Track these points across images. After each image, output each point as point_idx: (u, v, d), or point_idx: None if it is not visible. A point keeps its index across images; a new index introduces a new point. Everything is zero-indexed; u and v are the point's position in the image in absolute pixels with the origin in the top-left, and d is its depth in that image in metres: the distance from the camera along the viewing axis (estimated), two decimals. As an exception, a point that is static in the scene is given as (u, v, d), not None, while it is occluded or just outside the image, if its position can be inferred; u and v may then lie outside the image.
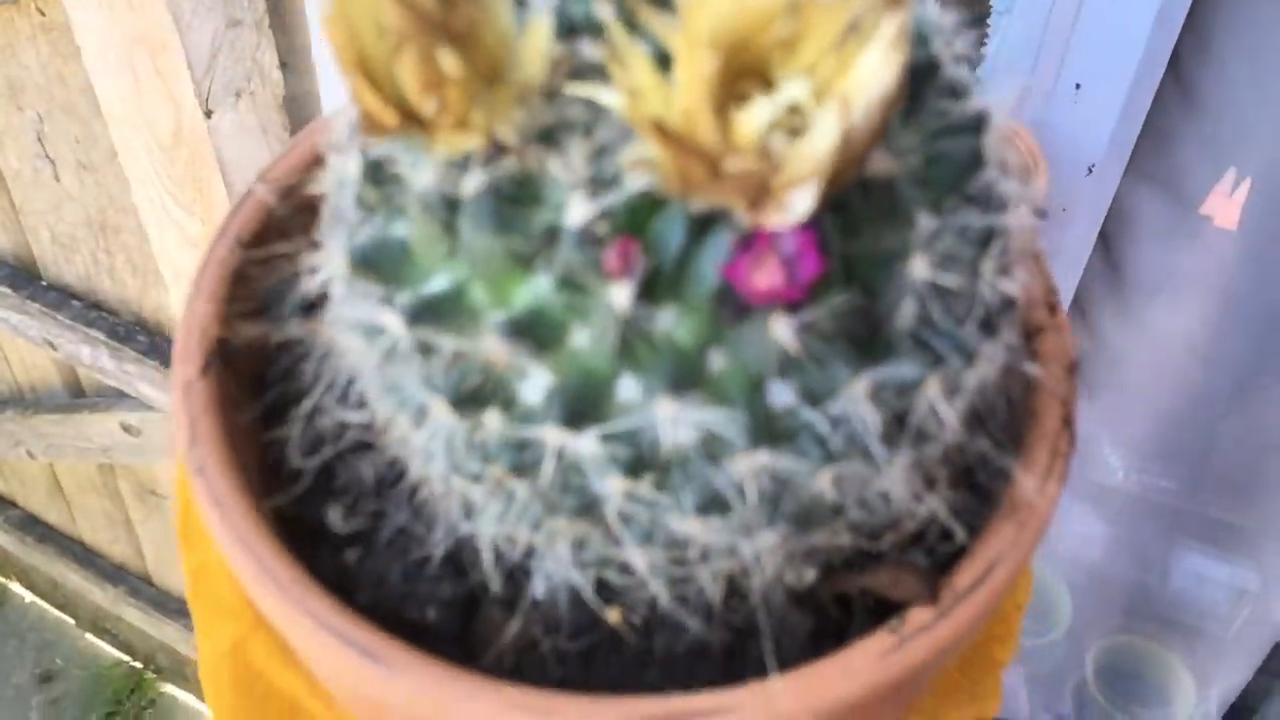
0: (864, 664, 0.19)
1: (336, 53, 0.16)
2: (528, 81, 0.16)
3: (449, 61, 0.15)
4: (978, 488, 0.24)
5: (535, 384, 0.17)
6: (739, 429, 0.17)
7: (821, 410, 0.17)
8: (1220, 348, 0.86)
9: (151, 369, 1.42)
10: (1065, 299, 0.74)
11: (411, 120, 0.15)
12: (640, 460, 0.17)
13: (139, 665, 2.23)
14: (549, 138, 0.17)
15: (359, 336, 0.19)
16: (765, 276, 0.15)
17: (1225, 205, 0.75)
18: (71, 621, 2.28)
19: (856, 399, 0.18)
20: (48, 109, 1.27)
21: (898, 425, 0.19)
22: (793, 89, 0.14)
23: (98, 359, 1.47)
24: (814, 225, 0.16)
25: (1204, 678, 1.10)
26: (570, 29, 0.17)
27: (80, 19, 0.94)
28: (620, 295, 0.16)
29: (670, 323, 0.17)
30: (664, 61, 0.14)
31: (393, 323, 0.18)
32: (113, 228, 1.36)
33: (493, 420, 0.18)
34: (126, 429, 1.58)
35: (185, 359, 0.23)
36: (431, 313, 0.17)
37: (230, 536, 0.20)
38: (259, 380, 0.25)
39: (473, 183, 0.17)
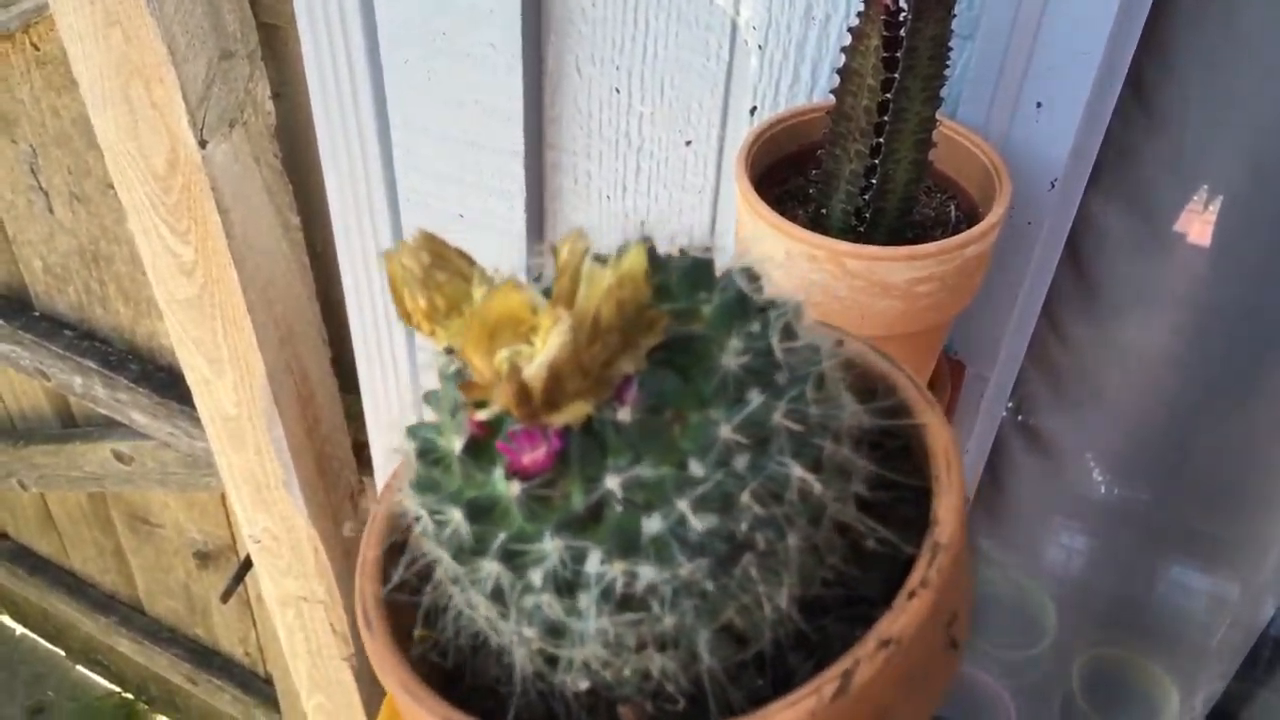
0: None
1: (389, 284, 0.29)
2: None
3: (422, 299, 0.28)
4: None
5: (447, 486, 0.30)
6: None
7: (537, 544, 0.28)
8: (1193, 360, 0.88)
9: (143, 397, 1.44)
10: (1034, 310, 0.77)
11: (412, 323, 0.29)
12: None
13: (130, 696, 2.22)
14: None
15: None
16: (524, 456, 0.27)
17: (1197, 221, 0.77)
18: (62, 653, 2.28)
19: (558, 550, 0.28)
20: (41, 141, 1.29)
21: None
22: (523, 349, 0.27)
23: (90, 388, 1.48)
24: (562, 439, 0.27)
25: (1188, 687, 1.11)
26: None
27: (77, 52, 0.96)
28: (456, 445, 0.29)
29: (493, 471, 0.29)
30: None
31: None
32: (105, 257, 1.38)
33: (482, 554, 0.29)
34: (118, 457, 1.59)
35: (368, 544, 0.35)
36: (427, 449, 0.30)
37: (387, 676, 0.31)
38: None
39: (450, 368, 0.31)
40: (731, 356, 0.28)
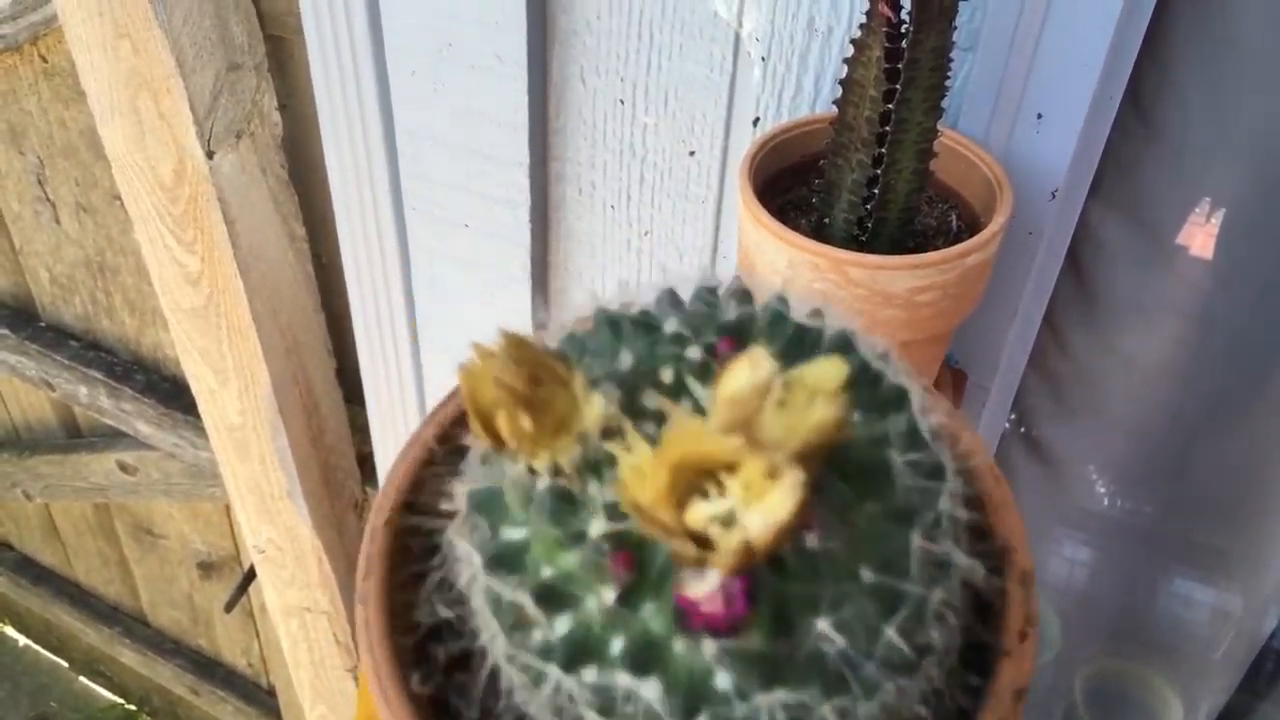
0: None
1: (466, 403, 0.26)
2: (584, 432, 0.26)
3: (525, 422, 0.25)
4: None
5: (558, 625, 0.26)
6: (679, 706, 0.25)
7: (744, 703, 0.24)
8: (1195, 371, 0.88)
9: (148, 407, 1.44)
10: (1035, 320, 0.77)
11: (504, 449, 0.26)
12: (610, 704, 0.25)
13: (133, 708, 2.22)
14: (594, 469, 0.26)
15: (463, 550, 0.28)
16: (707, 605, 0.23)
17: (1198, 232, 0.78)
18: (65, 665, 2.28)
19: (769, 707, 0.24)
20: (48, 153, 1.30)
21: None
22: (726, 501, 0.22)
23: (95, 398, 1.48)
24: (749, 577, 0.23)
25: (1191, 700, 1.11)
26: (628, 398, 0.27)
27: (85, 64, 0.97)
28: (608, 594, 0.25)
29: (649, 613, 0.25)
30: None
31: (476, 560, 0.27)
32: (111, 268, 1.38)
33: (531, 633, 0.26)
34: (123, 468, 1.60)
35: (378, 511, 0.31)
36: (504, 553, 0.26)
37: (371, 665, 0.28)
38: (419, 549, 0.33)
39: (541, 485, 0.26)
40: (899, 459, 0.26)
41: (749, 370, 0.23)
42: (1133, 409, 0.93)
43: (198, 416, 1.28)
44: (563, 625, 0.25)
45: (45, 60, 1.21)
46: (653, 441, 0.23)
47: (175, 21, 0.90)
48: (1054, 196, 0.63)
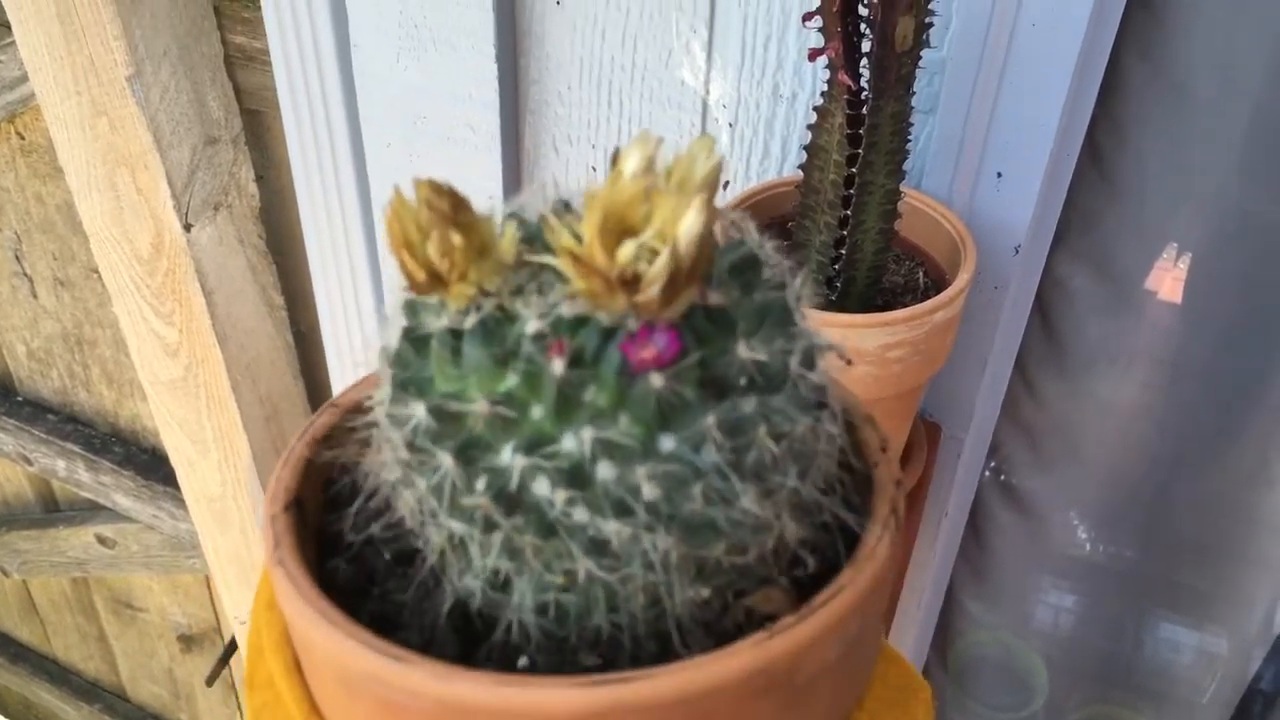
0: (742, 650, 0.27)
1: (390, 238, 0.28)
2: (504, 258, 0.28)
3: (456, 238, 0.27)
4: (831, 532, 0.32)
5: (507, 448, 0.28)
6: (643, 434, 0.28)
7: (690, 444, 0.27)
8: (1168, 416, 0.89)
9: (127, 479, 1.43)
10: (1006, 371, 0.78)
11: (434, 278, 0.27)
12: (575, 478, 0.27)
13: (112, 786, 2.18)
14: (518, 291, 0.28)
15: (394, 428, 0.29)
16: (645, 352, 0.27)
17: (1161, 281, 0.79)
18: (43, 744, 2.23)
19: (708, 430, 0.27)
20: (25, 228, 1.31)
21: (741, 457, 0.28)
22: (647, 236, 0.26)
23: (74, 471, 1.48)
24: (675, 327, 0.27)
25: (1180, 744, 1.11)
26: (528, 239, 0.29)
27: (63, 141, 0.98)
28: (557, 365, 0.27)
29: (591, 394, 0.27)
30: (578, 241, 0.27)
31: (418, 410, 0.28)
32: (89, 341, 1.38)
33: (478, 462, 0.28)
34: (102, 541, 1.58)
35: (272, 501, 0.33)
36: (443, 402, 0.28)
37: (297, 597, 0.30)
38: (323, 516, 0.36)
39: (470, 320, 0.28)
40: (764, 294, 0.29)
41: (640, 146, 0.27)
42: (1108, 455, 0.94)
43: (177, 488, 1.27)
44: (528, 425, 0.28)
45: (22, 137, 1.22)
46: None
47: (153, 99, 0.91)
48: (1017, 251, 0.65)
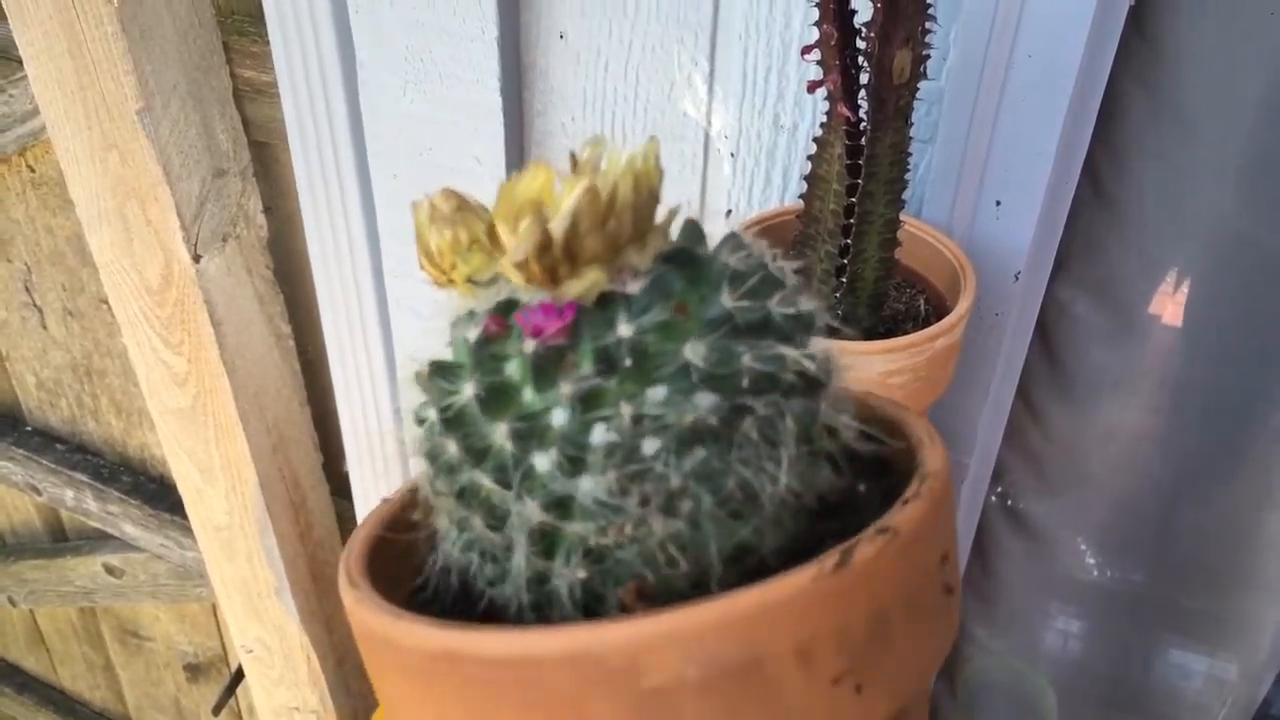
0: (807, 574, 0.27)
1: (418, 239, 0.32)
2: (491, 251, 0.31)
3: (463, 233, 0.31)
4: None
5: (466, 389, 0.31)
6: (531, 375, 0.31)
7: (549, 403, 0.30)
8: (1174, 440, 0.89)
9: (134, 508, 1.44)
10: (1008, 396, 0.79)
11: (441, 274, 0.32)
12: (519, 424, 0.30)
13: (118, 817, 2.17)
14: (492, 280, 0.32)
15: (415, 419, 0.33)
16: (533, 323, 0.29)
17: (1164, 306, 0.80)
18: (49, 774, 2.22)
19: (567, 395, 0.30)
20: (35, 259, 1.32)
21: (588, 430, 0.30)
22: (534, 217, 0.29)
23: (82, 501, 1.48)
24: (574, 308, 0.29)
25: (1191, 770, 1.10)
26: None
27: (74, 174, 0.99)
28: (472, 334, 0.31)
29: (504, 352, 0.30)
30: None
31: (429, 412, 0.32)
32: (98, 371, 1.39)
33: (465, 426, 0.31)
34: (109, 570, 1.59)
35: (348, 557, 0.35)
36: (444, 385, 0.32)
37: (363, 603, 0.32)
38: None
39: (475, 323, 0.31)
40: (730, 259, 0.31)
41: (590, 145, 0.30)
42: (1114, 480, 0.94)
43: (184, 517, 1.27)
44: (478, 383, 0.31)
45: (34, 170, 1.23)
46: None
47: (162, 132, 0.92)
48: (1017, 278, 0.65)
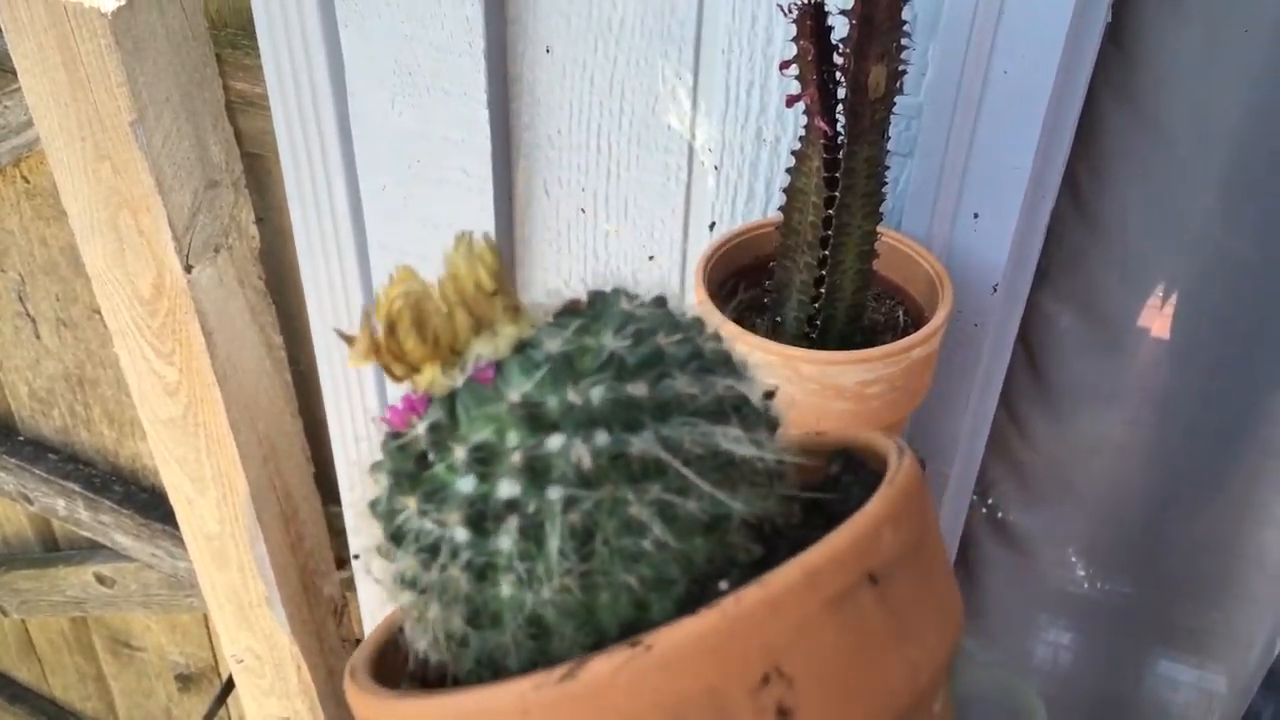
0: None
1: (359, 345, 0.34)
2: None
3: (411, 341, 0.33)
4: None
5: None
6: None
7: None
8: (1159, 452, 0.89)
9: (126, 518, 1.44)
10: (989, 407, 0.79)
11: (397, 364, 0.33)
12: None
13: (109, 829, 2.16)
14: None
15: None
16: (392, 412, 0.34)
17: (1146, 318, 0.81)
18: (39, 786, 2.22)
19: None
20: (29, 270, 1.33)
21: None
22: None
23: (74, 510, 1.48)
24: (424, 399, 0.33)
25: (1179, 782, 1.10)
26: None
27: (67, 185, 1.00)
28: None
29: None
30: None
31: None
32: (90, 381, 1.40)
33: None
34: (101, 580, 1.59)
35: (354, 657, 0.37)
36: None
37: (359, 691, 0.34)
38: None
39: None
40: (614, 341, 0.32)
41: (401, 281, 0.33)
42: (1099, 491, 0.94)
43: (176, 526, 1.28)
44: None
45: (27, 181, 1.24)
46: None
47: (155, 143, 0.93)
48: (995, 290, 0.66)
